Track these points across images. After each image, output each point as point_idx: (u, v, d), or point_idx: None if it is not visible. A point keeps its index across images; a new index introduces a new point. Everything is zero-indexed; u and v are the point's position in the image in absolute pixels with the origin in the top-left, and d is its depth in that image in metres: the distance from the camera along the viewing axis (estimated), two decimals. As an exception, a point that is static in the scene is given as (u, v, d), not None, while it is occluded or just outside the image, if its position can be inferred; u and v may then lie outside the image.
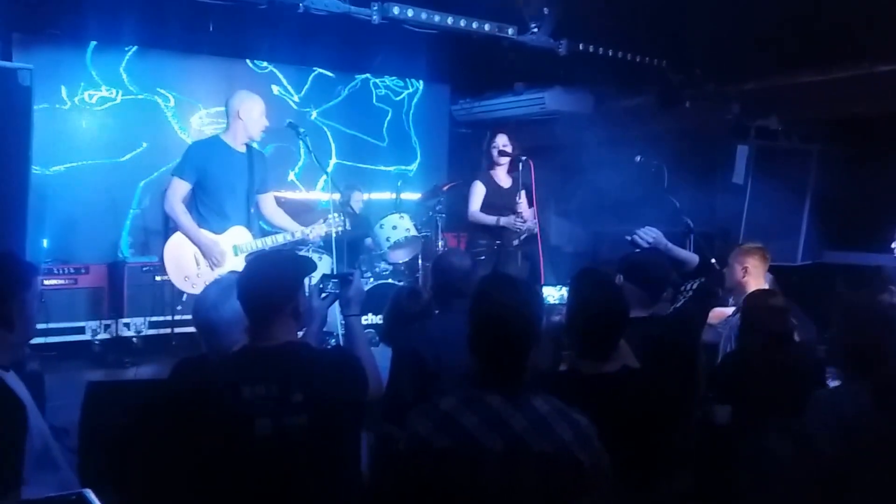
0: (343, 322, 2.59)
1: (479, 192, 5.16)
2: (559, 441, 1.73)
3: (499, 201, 5.11)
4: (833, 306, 2.60)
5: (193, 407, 1.99)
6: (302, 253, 5.33)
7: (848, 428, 2.22)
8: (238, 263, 4.20)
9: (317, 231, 4.35)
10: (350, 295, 2.49)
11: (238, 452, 1.93)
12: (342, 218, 4.47)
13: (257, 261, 2.29)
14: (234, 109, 4.21)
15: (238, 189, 4.22)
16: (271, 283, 2.12)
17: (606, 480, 1.76)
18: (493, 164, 5.16)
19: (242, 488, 1.93)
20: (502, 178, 5.19)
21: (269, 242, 4.32)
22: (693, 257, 3.59)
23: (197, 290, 3.95)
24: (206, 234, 4.14)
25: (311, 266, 2.33)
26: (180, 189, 4.11)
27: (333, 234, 4.43)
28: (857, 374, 2.39)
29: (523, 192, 5.07)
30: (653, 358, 2.42)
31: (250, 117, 4.21)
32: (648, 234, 3.28)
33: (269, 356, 2.05)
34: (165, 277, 5.71)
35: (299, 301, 2.18)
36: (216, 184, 4.15)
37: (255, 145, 4.46)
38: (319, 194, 7.27)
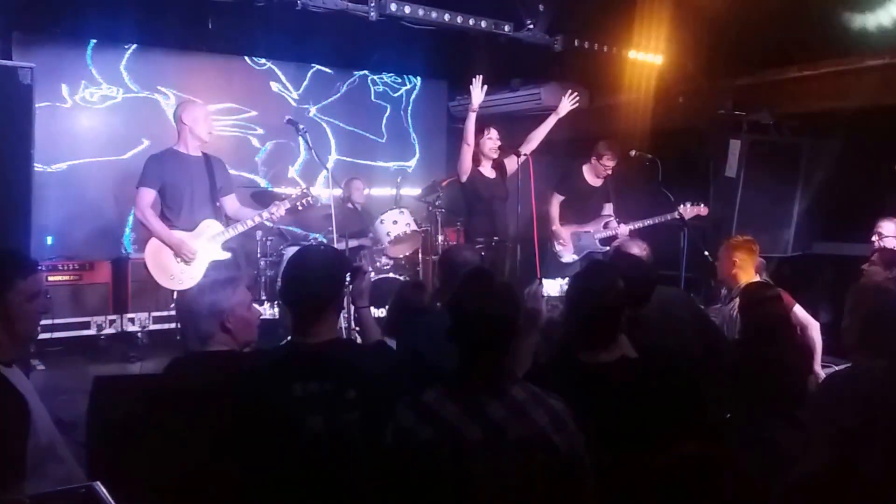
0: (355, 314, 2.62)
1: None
2: (536, 427, 1.76)
3: (486, 192, 5.19)
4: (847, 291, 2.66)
5: (240, 402, 1.99)
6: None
7: (865, 403, 2.25)
8: (217, 253, 4.39)
9: (279, 211, 4.47)
10: (362, 287, 2.54)
11: (289, 449, 1.94)
12: (305, 190, 4.57)
13: (302, 258, 2.23)
14: (178, 117, 4.43)
15: (200, 189, 4.40)
16: (320, 279, 2.10)
17: (583, 464, 1.79)
18: (480, 158, 5.21)
19: (292, 484, 1.94)
20: (487, 169, 5.27)
21: (239, 228, 4.47)
22: None
23: (184, 287, 4.13)
24: (175, 234, 4.31)
25: (349, 262, 2.34)
26: (147, 197, 4.31)
27: (299, 207, 4.52)
28: (870, 354, 2.45)
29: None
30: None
31: (194, 120, 4.37)
32: None
33: (319, 353, 2.04)
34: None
35: (343, 296, 2.19)
36: (178, 187, 4.34)
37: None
38: (321, 190, 7.34)
